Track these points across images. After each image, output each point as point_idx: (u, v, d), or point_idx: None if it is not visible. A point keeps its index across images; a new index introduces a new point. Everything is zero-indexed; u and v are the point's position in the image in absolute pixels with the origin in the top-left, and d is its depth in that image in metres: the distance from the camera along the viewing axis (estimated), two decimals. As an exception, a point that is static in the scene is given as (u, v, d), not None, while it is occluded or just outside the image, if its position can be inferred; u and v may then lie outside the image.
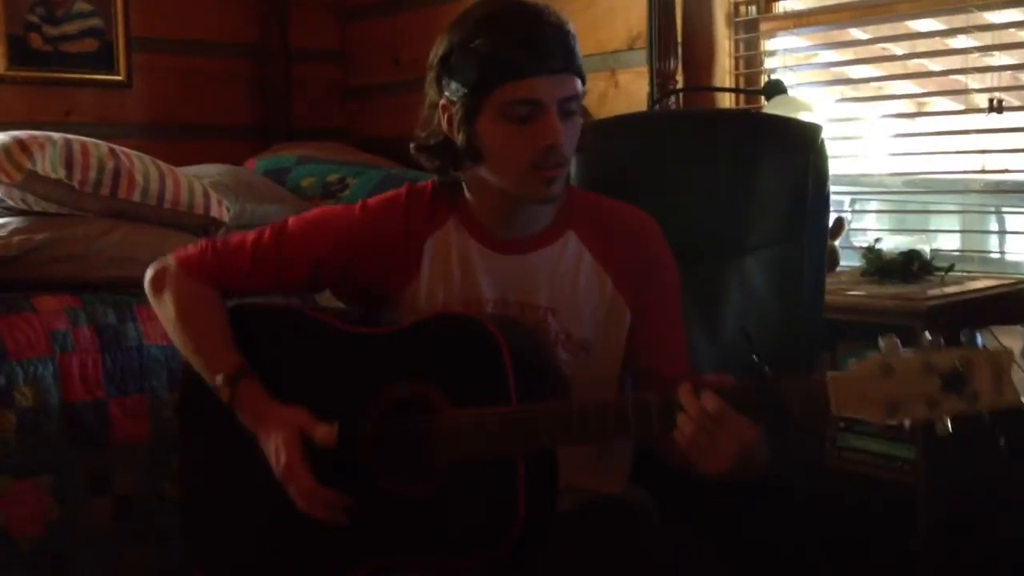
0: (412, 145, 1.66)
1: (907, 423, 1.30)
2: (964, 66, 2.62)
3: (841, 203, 2.91)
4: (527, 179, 1.56)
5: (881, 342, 1.32)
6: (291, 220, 1.73)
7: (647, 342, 1.66)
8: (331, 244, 1.69)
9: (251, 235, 1.73)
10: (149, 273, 1.74)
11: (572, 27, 1.56)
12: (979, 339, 1.29)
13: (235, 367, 1.62)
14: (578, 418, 1.45)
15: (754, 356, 1.36)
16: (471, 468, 1.50)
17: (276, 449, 1.56)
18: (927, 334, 1.31)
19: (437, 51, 1.58)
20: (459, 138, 1.57)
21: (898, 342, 1.31)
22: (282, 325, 1.73)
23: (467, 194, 1.66)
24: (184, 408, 1.81)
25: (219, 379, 1.62)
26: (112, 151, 2.72)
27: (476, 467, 1.49)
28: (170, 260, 1.73)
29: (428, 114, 1.62)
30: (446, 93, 1.57)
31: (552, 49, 1.51)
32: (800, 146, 1.89)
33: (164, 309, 1.72)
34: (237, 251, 1.71)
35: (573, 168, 1.89)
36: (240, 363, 1.63)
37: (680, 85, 2.86)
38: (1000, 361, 1.26)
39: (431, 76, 1.60)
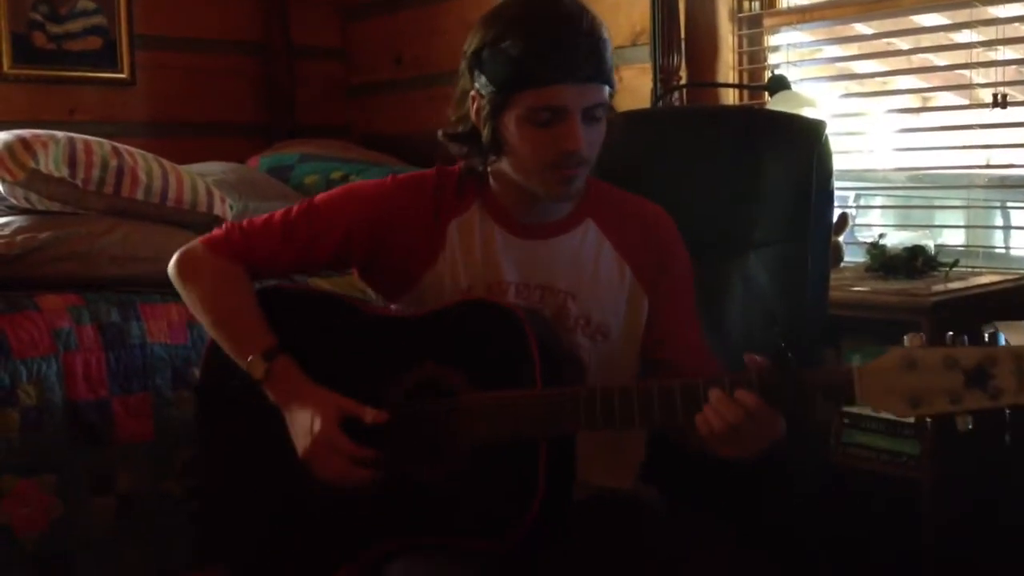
0: (441, 132, 1.68)
1: (928, 417, 1.31)
2: (969, 61, 2.61)
3: (845, 199, 2.90)
4: (545, 178, 1.58)
5: (905, 337, 1.33)
6: (319, 196, 1.74)
7: (663, 334, 1.68)
8: (361, 214, 1.69)
9: (277, 213, 1.73)
10: (174, 259, 1.74)
11: (607, 32, 1.56)
12: (1002, 337, 1.29)
13: (270, 344, 1.63)
14: (602, 403, 1.46)
15: (782, 343, 1.38)
16: (491, 451, 1.51)
17: (311, 421, 1.56)
18: (950, 333, 1.32)
19: (471, 41, 1.59)
20: (484, 131, 1.60)
21: (922, 336, 1.32)
22: (305, 306, 1.74)
23: (491, 181, 1.68)
24: (204, 394, 1.81)
25: (253, 356, 1.62)
26: (115, 149, 2.71)
27: (496, 450, 1.50)
28: (195, 244, 1.74)
29: (460, 98, 1.64)
30: (476, 85, 1.59)
31: (580, 58, 1.51)
32: (804, 142, 1.89)
33: (192, 290, 1.72)
34: (265, 228, 1.72)
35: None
36: (274, 341, 1.64)
37: (683, 81, 2.86)
38: None
39: (464, 64, 1.61)
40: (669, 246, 1.72)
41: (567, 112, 1.53)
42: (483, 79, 1.57)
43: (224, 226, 1.75)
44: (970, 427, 1.29)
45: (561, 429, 1.48)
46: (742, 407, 1.38)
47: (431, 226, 1.67)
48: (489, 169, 1.66)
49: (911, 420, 2.09)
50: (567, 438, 1.52)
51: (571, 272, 1.67)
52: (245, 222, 1.74)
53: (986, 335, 1.31)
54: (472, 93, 1.60)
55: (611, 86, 1.58)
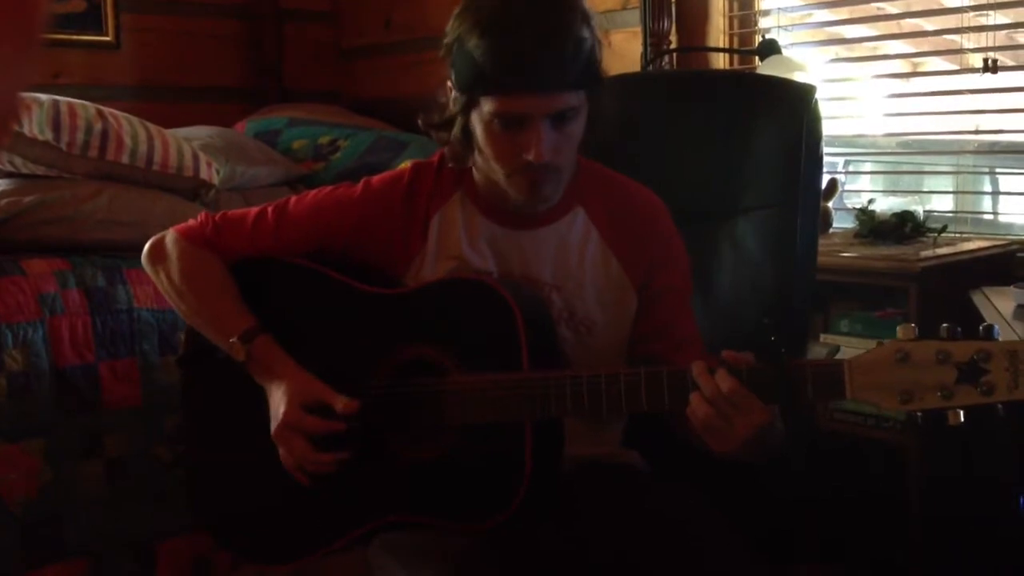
0: (421, 119, 1.65)
1: (920, 413, 1.29)
2: (959, 25, 2.60)
3: (835, 164, 2.90)
4: (513, 182, 1.55)
5: (898, 329, 1.31)
6: (293, 200, 1.72)
7: (658, 326, 1.65)
8: (333, 223, 1.68)
9: (252, 211, 1.72)
10: (146, 247, 1.74)
11: (589, 29, 1.49)
12: (996, 331, 1.28)
13: (249, 325, 1.62)
14: (590, 388, 1.44)
15: (772, 337, 1.34)
16: (479, 431, 1.50)
17: (280, 403, 1.56)
18: (944, 325, 1.30)
19: (448, 31, 1.54)
20: (455, 126, 1.56)
21: (915, 328, 1.30)
22: (291, 281, 1.72)
23: (474, 170, 1.65)
24: (188, 367, 1.80)
25: (233, 339, 1.61)
26: (100, 113, 2.69)
27: (484, 430, 1.50)
28: (167, 232, 1.73)
29: (443, 85, 1.60)
30: (451, 77, 1.55)
31: (544, 69, 1.45)
32: (794, 107, 1.88)
33: (166, 277, 1.71)
34: (237, 226, 1.71)
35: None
36: (254, 322, 1.63)
37: (673, 45, 2.84)
38: (1018, 353, 1.25)
39: (442, 53, 1.57)
40: (665, 238, 1.67)
41: (530, 120, 1.48)
42: (453, 75, 1.53)
43: (199, 217, 1.74)
44: (962, 420, 1.27)
45: (547, 413, 1.47)
46: (722, 391, 1.35)
47: (410, 225, 1.65)
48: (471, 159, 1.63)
49: (902, 416, 2.10)
50: (554, 420, 1.51)
51: (556, 264, 1.63)
52: (219, 216, 1.73)
53: (980, 328, 1.29)
54: (449, 83, 1.56)
55: (588, 88, 1.52)
